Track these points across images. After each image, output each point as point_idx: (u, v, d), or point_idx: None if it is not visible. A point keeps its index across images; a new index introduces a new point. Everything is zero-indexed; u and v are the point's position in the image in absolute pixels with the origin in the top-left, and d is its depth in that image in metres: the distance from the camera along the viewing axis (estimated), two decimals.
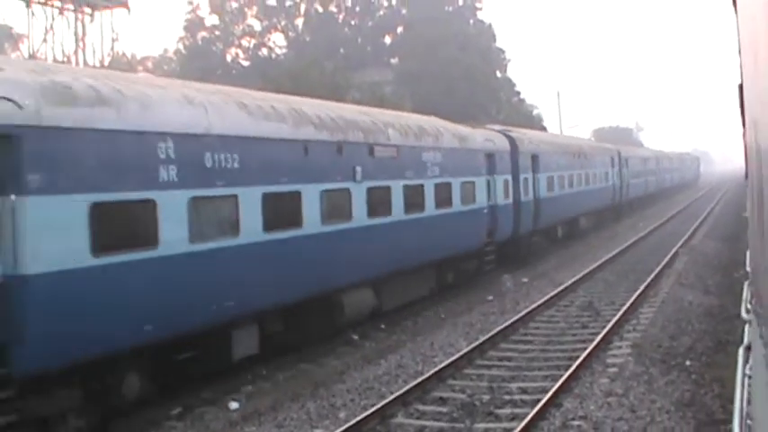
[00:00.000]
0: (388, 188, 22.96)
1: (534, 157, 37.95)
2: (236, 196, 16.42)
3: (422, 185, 25.09)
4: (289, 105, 19.89)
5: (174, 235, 14.64)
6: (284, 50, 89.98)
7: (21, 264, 11.82)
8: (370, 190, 21.84)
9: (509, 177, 34.15)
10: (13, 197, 11.75)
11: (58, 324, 12.34)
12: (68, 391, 12.94)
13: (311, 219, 19.09)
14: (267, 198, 17.34)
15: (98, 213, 12.99)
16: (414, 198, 24.44)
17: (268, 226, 17.35)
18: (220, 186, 15.93)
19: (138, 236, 14.04)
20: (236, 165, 16.39)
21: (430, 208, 25.54)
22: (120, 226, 13.73)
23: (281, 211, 18.05)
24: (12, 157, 11.90)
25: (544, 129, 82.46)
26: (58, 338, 12.35)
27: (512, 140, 35.76)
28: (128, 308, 13.55)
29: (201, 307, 15.47)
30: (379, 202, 22.33)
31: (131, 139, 13.97)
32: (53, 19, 57.71)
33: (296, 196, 18.57)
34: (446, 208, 26.65)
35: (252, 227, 16.85)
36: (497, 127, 39.39)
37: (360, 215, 21.37)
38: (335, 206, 20.23)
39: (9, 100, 11.93)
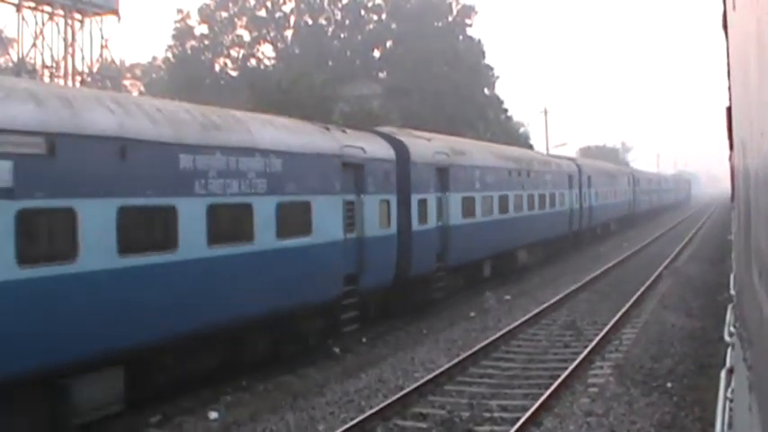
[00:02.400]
0: (533, 195, 40.00)
1: (589, 178, 55.27)
2: (492, 196, 33.62)
3: (545, 194, 42.53)
4: (500, 150, 40.50)
5: (485, 211, 32.63)
6: (273, 62, 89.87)
7: (448, 218, 28.98)
8: (529, 195, 39.23)
9: (578, 191, 51.13)
10: (447, 193, 28.49)
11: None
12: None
13: (511, 209, 36.10)
14: (500, 198, 34.67)
15: (463, 201, 30.12)
16: (542, 201, 41.77)
17: (500, 211, 34.65)
18: (485, 191, 32.77)
19: (471, 212, 31.04)
20: (490, 181, 33.47)
21: (547, 207, 42.85)
22: (467, 206, 30.51)
23: (503, 203, 35.11)
24: (446, 178, 28.67)
25: (531, 147, 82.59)
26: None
27: (579, 166, 53.62)
28: (488, 242, 32.56)
29: (489, 246, 33.47)
30: (531, 201, 39.51)
31: (468, 169, 31.34)
32: (43, 24, 57.69)
33: (506, 197, 35.59)
34: (552, 208, 44.08)
35: (496, 211, 34.15)
36: (567, 156, 63.03)
37: (526, 209, 38.60)
38: (518, 203, 37.21)
39: (445, 153, 29.10)
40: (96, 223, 13.57)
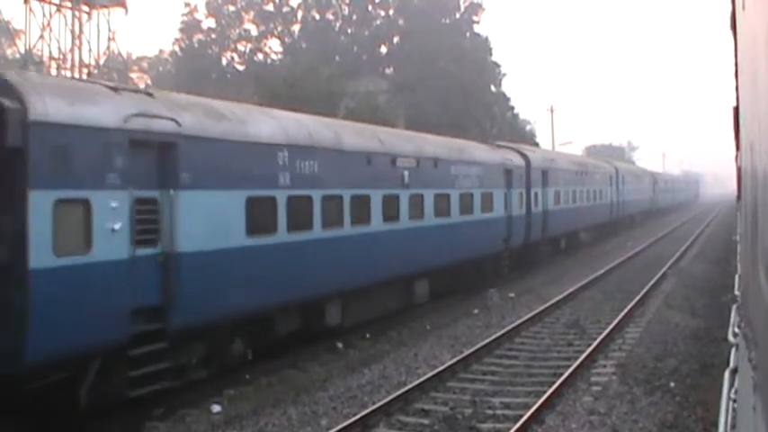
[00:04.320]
0: (589, 190, 53.01)
1: (624, 178, 68.26)
2: (568, 191, 46.57)
3: (595, 189, 55.39)
4: (571, 157, 57.63)
5: (565, 201, 45.46)
6: (280, 56, 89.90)
7: (547, 205, 42.47)
8: (587, 191, 52.05)
9: (616, 188, 63.74)
10: (546, 188, 41.52)
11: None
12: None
13: (578, 201, 49.04)
14: (572, 192, 47.50)
15: (554, 194, 43.03)
16: (594, 195, 54.87)
17: (572, 201, 47.38)
18: (565, 187, 45.77)
19: (558, 201, 43.68)
20: (567, 179, 46.75)
21: (597, 200, 56.23)
22: (556, 197, 43.42)
23: (574, 196, 47.24)
24: (546, 177, 41.07)
25: (536, 144, 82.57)
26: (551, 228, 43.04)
27: (616, 168, 66.75)
28: (566, 223, 46.34)
29: (566, 226, 46.67)
30: (587, 195, 52.58)
31: (557, 171, 44.43)
32: (50, 16, 57.65)
33: (575, 192, 48.16)
34: (600, 201, 57.17)
35: (570, 201, 46.55)
36: (600, 159, 74.31)
37: (585, 201, 51.47)
38: (581, 196, 49.90)
39: (545, 161, 42.75)
40: (429, 202, 26.79)
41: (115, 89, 15.25)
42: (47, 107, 13.02)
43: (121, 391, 14.36)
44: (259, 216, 17.68)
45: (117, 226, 14.04)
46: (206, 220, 15.94)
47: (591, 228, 55.19)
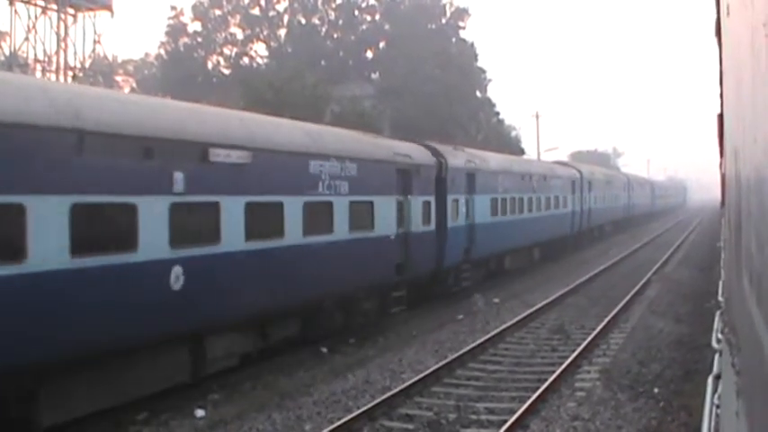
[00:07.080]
0: (612, 194, 69.42)
1: (633, 186, 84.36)
2: (602, 195, 64.78)
3: (616, 194, 72.64)
4: (604, 170, 76.97)
5: (598, 202, 61.64)
6: (266, 60, 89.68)
7: (590, 204, 59.62)
8: (611, 195, 69.37)
9: (627, 193, 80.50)
10: (590, 192, 58.64)
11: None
12: None
13: (608, 203, 66.59)
14: (604, 195, 65.58)
15: (595, 198, 60.40)
16: (614, 198, 70.55)
17: (604, 203, 65.45)
18: (599, 192, 62.49)
19: (596, 202, 60.63)
20: (601, 187, 64.10)
21: (617, 202, 72.32)
22: (595, 198, 60.85)
23: (606, 199, 66.48)
24: (590, 186, 57.44)
25: (522, 151, 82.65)
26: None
27: (627, 177, 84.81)
28: (600, 218, 64.13)
29: (600, 220, 64.49)
30: (612, 198, 69.52)
31: (597, 182, 61.47)
32: (36, 18, 57.50)
33: (605, 195, 66.20)
34: (617, 203, 72.51)
35: (603, 203, 64.54)
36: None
37: (610, 203, 68.79)
38: (608, 198, 67.63)
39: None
40: (542, 200, 43.99)
41: (455, 148, 32.84)
42: (449, 160, 29.74)
43: (451, 285, 30.66)
44: (493, 206, 34.75)
45: (463, 210, 30.99)
46: (480, 209, 32.78)
47: (612, 223, 71.48)
